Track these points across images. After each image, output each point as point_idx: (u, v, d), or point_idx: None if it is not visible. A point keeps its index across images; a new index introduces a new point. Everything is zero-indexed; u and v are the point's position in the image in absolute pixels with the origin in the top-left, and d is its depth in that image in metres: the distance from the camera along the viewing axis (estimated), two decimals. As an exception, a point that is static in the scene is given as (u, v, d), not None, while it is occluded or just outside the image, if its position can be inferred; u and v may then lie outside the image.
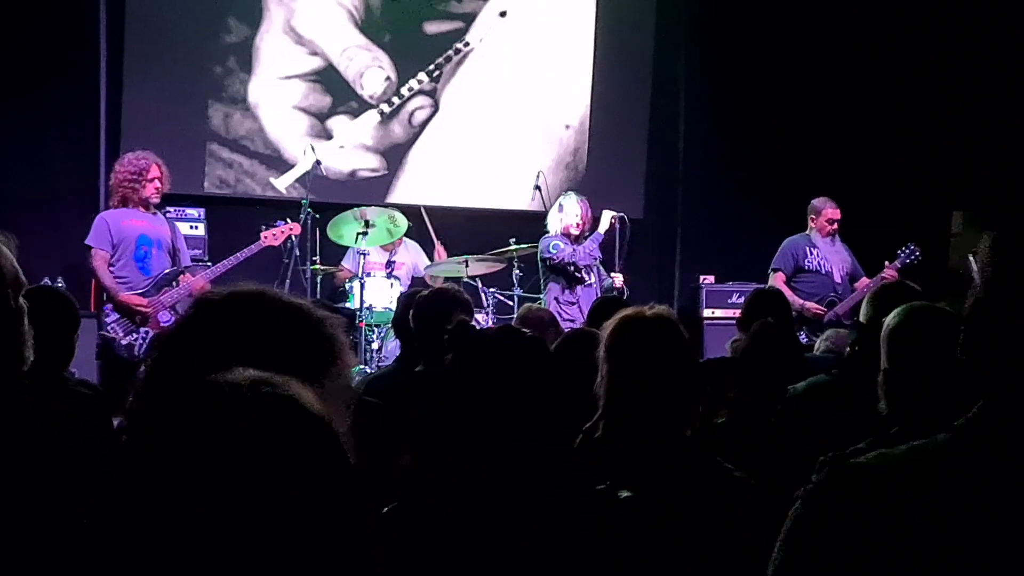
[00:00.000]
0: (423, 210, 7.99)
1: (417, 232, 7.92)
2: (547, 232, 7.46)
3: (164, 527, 0.97)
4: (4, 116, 7.88)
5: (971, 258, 1.22)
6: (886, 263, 7.34)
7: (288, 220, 6.88)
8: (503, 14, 9.24)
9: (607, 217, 7.46)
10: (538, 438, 1.87)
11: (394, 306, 6.87)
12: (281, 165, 8.78)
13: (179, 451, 1.00)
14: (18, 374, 1.68)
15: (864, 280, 7.44)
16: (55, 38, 7.98)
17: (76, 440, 1.73)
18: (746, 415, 3.16)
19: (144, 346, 6.15)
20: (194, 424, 1.02)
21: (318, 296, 7.37)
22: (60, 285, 7.06)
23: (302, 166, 8.46)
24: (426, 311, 3.83)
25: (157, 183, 6.34)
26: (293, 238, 6.97)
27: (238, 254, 6.54)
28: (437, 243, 7.94)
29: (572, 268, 7.30)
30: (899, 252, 7.38)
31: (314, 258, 7.35)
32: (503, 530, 1.82)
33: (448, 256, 7.74)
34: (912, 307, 2.44)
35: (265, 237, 6.67)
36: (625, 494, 1.89)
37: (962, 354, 1.15)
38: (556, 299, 7.30)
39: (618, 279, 7.37)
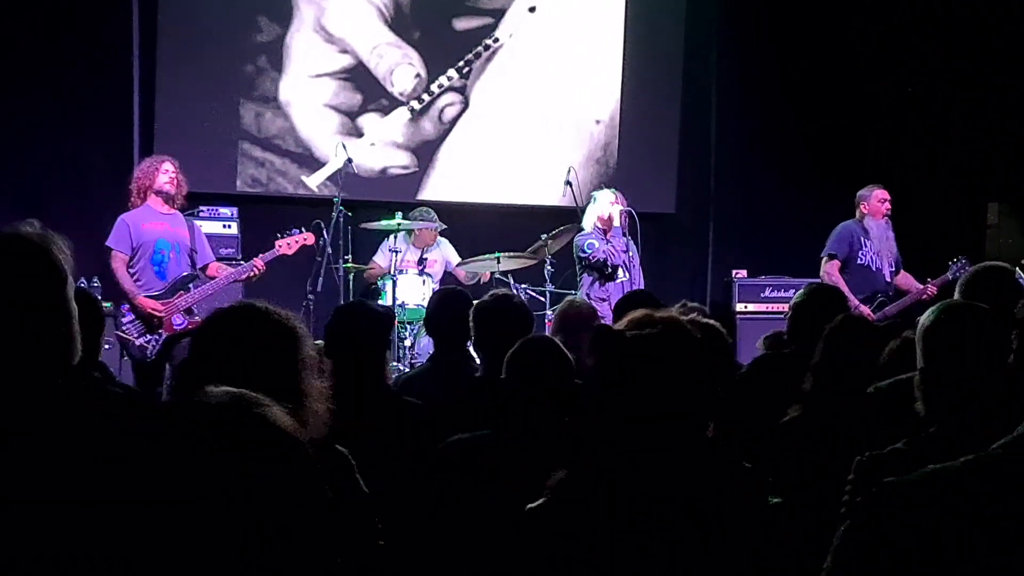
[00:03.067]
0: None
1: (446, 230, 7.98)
2: (583, 230, 7.46)
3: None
4: (39, 117, 7.96)
5: (1019, 269, 1.20)
6: (928, 280, 7.20)
7: (303, 229, 6.80)
8: (532, 9, 9.23)
9: (616, 212, 7.44)
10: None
11: (426, 303, 6.93)
12: (312, 163, 8.81)
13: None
14: (70, 368, 1.76)
15: (906, 277, 7.32)
16: (88, 39, 8.05)
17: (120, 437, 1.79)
18: (822, 411, 3.14)
19: (157, 348, 6.23)
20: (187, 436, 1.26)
21: (351, 295, 7.41)
22: (96, 286, 7.13)
23: (333, 164, 8.48)
24: (488, 318, 3.83)
25: (171, 174, 6.42)
26: (325, 236, 6.99)
27: (254, 260, 6.51)
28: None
29: (607, 266, 7.30)
30: (950, 264, 7.24)
31: (346, 256, 7.37)
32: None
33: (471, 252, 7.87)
34: (947, 305, 2.41)
35: (279, 245, 6.63)
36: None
37: (1016, 363, 1.13)
38: (587, 295, 7.29)
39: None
